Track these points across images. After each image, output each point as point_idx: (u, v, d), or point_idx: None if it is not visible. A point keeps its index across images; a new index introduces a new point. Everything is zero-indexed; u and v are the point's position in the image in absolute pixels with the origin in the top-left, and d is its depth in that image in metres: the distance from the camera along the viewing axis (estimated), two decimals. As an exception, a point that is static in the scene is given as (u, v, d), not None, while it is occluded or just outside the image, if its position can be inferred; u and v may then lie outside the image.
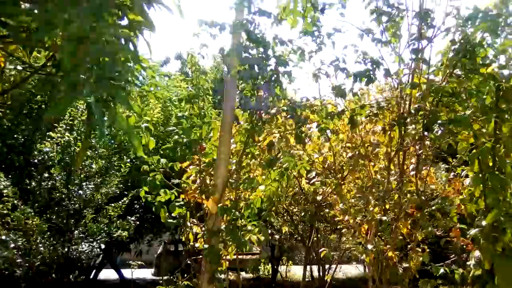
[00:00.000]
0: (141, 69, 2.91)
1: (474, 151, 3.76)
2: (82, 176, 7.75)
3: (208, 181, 4.36)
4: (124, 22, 2.40)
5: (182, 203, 4.25)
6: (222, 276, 4.09)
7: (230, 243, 4.02)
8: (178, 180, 4.41)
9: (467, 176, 4.45)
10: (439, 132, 3.56)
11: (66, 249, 7.47)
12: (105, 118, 2.00)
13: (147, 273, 17.74)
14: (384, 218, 4.10)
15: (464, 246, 4.51)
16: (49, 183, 7.54)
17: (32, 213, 7.04)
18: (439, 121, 3.51)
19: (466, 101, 3.85)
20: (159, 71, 16.47)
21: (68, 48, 1.73)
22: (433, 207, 4.62)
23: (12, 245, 6.50)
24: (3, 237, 6.44)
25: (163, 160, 4.21)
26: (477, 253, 3.99)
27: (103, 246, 8.60)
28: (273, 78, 4.05)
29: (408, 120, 4.18)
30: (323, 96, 5.06)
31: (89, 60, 2.00)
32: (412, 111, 4.08)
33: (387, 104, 4.49)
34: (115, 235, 8.06)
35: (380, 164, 5.16)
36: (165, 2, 2.44)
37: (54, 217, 7.47)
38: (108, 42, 2.07)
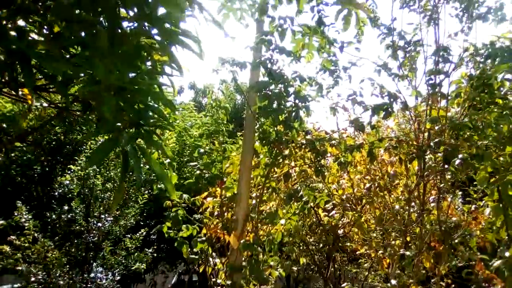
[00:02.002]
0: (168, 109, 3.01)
1: (493, 179, 3.76)
2: (101, 208, 7.84)
3: (229, 216, 4.40)
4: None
5: (203, 238, 4.28)
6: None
7: (252, 279, 4.02)
8: (200, 215, 4.46)
9: (487, 206, 4.43)
10: (460, 166, 3.57)
11: (84, 283, 7.49)
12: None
13: (161, 304, 17.54)
14: (407, 253, 4.07)
15: (488, 279, 4.44)
16: (69, 216, 7.63)
17: (52, 246, 7.10)
18: (460, 156, 3.53)
19: (484, 133, 3.88)
20: (176, 103, 16.78)
21: (110, 100, 1.82)
22: (456, 240, 4.57)
23: (33, 279, 6.55)
24: (24, 270, 6.49)
25: (185, 196, 4.27)
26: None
27: (118, 278, 8.59)
28: (292, 114, 4.13)
29: (428, 153, 4.21)
30: (341, 129, 5.13)
31: (126, 109, 2.10)
32: (432, 144, 4.11)
33: (405, 137, 4.52)
34: (133, 268, 8.07)
35: (399, 196, 5.16)
36: (189, 42, 2.55)
37: (73, 249, 7.53)
38: (143, 90, 2.18)
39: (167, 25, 2.15)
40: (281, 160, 4.31)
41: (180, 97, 22.31)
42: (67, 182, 7.89)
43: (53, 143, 10.35)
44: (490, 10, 3.80)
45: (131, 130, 2.11)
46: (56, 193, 8.27)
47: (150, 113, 2.23)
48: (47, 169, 9.74)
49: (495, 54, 3.30)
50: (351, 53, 4.56)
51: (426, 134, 4.33)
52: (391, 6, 4.52)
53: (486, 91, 3.63)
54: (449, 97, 4.25)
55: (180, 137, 13.87)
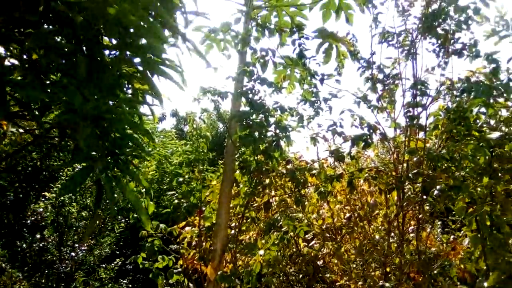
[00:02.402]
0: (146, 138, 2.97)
1: (471, 210, 3.81)
2: (75, 237, 7.59)
3: (207, 246, 4.30)
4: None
5: (180, 269, 4.17)
6: None
7: (230, 312, 3.90)
8: (177, 246, 4.35)
9: (465, 236, 4.46)
10: (438, 197, 3.61)
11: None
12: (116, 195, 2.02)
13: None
14: (387, 284, 4.03)
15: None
16: (41, 244, 7.35)
17: (20, 277, 6.80)
18: (438, 187, 3.57)
19: (461, 165, 3.95)
20: (157, 130, 16.64)
21: (85, 130, 1.78)
22: (435, 271, 4.57)
23: (-2, 312, 6.23)
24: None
25: (162, 226, 4.18)
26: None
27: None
28: (273, 144, 4.13)
29: (407, 183, 4.25)
30: (321, 159, 5.14)
31: (102, 138, 2.06)
32: (410, 175, 4.15)
33: (384, 168, 4.57)
34: (106, 300, 7.78)
35: (379, 226, 5.16)
36: (170, 72, 2.55)
37: (44, 280, 7.21)
38: (121, 119, 2.14)
39: (149, 55, 2.14)
40: (261, 190, 4.28)
41: (162, 124, 22.21)
42: (41, 209, 7.64)
43: (29, 169, 10.09)
44: (465, 46, 3.93)
45: (107, 159, 2.06)
46: (29, 221, 7.99)
47: (127, 143, 2.19)
48: (20, 195, 9.43)
49: (470, 88, 3.39)
50: (331, 85, 4.63)
51: (405, 165, 4.37)
52: (370, 41, 4.62)
53: (462, 123, 3.72)
54: (427, 129, 4.33)
55: (160, 164, 13.69)
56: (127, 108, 2.32)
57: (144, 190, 3.97)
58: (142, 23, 1.85)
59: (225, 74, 4.16)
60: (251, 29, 4.71)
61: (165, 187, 13.04)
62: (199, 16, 3.11)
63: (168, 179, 13.13)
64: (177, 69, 2.60)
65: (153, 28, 1.88)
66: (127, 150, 2.18)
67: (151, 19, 1.99)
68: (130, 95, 2.48)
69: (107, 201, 1.96)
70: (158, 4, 2.44)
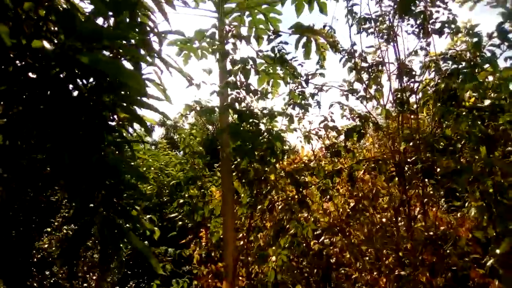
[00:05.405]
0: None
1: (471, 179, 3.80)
2: (85, 268, 7.52)
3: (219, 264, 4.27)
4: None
5: (195, 291, 4.14)
6: None
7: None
8: (189, 267, 4.32)
9: (471, 206, 4.46)
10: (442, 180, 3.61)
11: None
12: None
13: None
14: (403, 273, 4.03)
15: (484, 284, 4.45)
16: (52, 280, 7.28)
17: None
18: (439, 170, 3.56)
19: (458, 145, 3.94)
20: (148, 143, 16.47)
21: (78, 187, 1.72)
22: (447, 250, 4.57)
23: None
24: None
25: (170, 250, 4.14)
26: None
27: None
28: (267, 150, 4.09)
29: (406, 169, 4.23)
30: (317, 152, 5.11)
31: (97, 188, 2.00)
32: (409, 161, 4.13)
33: (382, 156, 4.54)
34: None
35: (385, 214, 5.14)
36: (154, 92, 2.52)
37: (60, 315, 7.17)
38: (113, 168, 2.08)
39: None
40: (262, 198, 4.24)
41: (152, 135, 22.00)
42: (46, 245, 7.56)
43: (26, 204, 9.93)
44: (444, 24, 3.89)
45: (106, 210, 2.01)
46: (35, 259, 7.90)
47: (124, 188, 2.14)
48: (22, 233, 9.30)
49: (457, 71, 3.37)
50: (316, 83, 4.58)
51: (402, 150, 4.35)
52: (349, 31, 4.57)
53: (454, 103, 3.69)
54: (418, 106, 4.30)
55: (157, 177, 13.56)
56: (116, 150, 2.26)
57: (148, 217, 3.91)
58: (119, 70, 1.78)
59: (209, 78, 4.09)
60: (226, 36, 4.64)
61: (165, 199, 12.95)
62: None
63: (167, 191, 13.03)
64: (159, 87, 2.57)
65: (131, 73, 1.82)
66: (125, 195, 2.13)
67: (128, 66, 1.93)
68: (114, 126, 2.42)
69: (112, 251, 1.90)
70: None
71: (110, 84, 2.01)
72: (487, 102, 3.84)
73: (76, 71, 2.02)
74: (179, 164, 12.28)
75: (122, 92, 2.19)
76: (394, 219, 4.78)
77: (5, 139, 1.73)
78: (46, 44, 1.63)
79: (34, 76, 1.69)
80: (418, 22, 4.18)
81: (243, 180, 4.32)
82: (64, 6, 2.15)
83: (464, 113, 3.69)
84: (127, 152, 2.49)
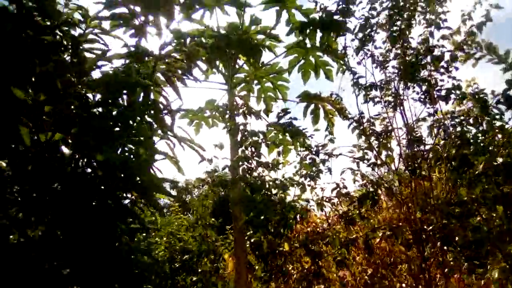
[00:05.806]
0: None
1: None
2: None
3: None
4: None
5: None
6: None
7: None
8: None
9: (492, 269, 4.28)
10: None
11: None
12: None
13: None
14: None
15: None
16: None
17: None
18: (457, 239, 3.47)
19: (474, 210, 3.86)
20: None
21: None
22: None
23: None
24: None
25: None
26: None
27: None
28: (281, 222, 4.04)
29: (424, 237, 4.12)
30: (331, 223, 5.02)
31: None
32: (425, 228, 4.04)
33: (398, 223, 4.45)
34: None
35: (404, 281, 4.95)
36: (165, 185, 2.53)
37: None
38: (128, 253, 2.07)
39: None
40: (278, 272, 4.13)
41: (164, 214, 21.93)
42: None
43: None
44: (450, 91, 3.95)
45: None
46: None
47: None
48: None
49: (468, 141, 3.39)
50: (326, 149, 4.60)
51: (417, 217, 4.26)
52: (356, 101, 4.65)
53: (465, 169, 3.67)
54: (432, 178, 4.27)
55: (169, 242, 13.34)
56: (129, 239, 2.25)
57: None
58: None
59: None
60: (237, 109, 4.75)
61: (177, 265, 12.64)
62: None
63: (179, 257, 12.75)
64: (172, 160, 2.61)
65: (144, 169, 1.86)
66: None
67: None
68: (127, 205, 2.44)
69: None
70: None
71: (125, 177, 2.05)
72: (499, 160, 3.82)
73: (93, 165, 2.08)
74: (191, 227, 12.21)
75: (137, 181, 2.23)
76: (414, 285, 4.60)
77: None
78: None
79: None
80: (423, 88, 4.25)
81: (257, 252, 4.24)
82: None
83: (477, 177, 3.65)
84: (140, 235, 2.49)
